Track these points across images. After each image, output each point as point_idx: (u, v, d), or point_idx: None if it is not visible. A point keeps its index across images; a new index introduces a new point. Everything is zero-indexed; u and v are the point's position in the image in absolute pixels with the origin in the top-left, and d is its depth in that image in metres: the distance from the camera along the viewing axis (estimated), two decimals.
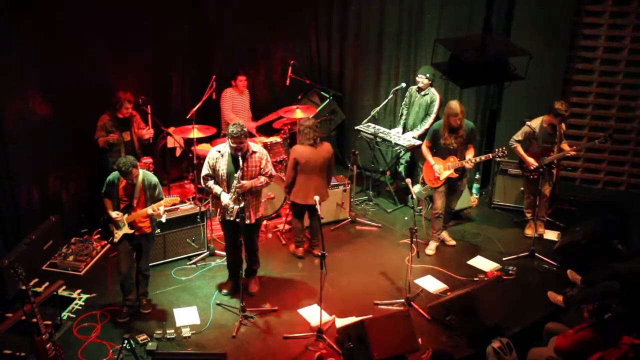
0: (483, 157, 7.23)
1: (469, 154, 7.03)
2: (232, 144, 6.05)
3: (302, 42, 9.43)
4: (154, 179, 6.03)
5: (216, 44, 8.80)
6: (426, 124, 8.06)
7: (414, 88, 8.22)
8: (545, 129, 7.27)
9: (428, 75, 8.01)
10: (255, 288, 6.65)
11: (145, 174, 5.95)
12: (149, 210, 5.89)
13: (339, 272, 6.97)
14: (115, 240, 5.97)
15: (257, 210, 6.34)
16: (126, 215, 5.89)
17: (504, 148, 7.10)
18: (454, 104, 6.89)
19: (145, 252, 6.16)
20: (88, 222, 7.57)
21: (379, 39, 8.90)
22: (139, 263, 6.15)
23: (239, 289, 6.24)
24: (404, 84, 8.48)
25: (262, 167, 6.23)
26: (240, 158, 6.04)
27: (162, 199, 6.00)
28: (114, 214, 5.89)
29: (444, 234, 7.49)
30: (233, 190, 6.11)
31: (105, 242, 6.04)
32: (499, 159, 8.02)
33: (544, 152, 7.28)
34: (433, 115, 8.08)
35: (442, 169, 7.05)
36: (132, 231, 5.93)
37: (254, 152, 6.20)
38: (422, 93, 8.09)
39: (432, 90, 8.11)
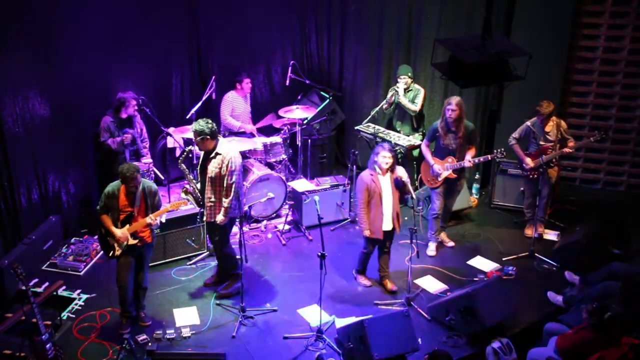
0: (482, 158, 7.24)
1: (469, 155, 7.02)
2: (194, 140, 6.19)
3: (302, 42, 9.43)
4: (154, 186, 5.99)
5: (216, 44, 8.80)
6: (416, 107, 8.06)
7: (398, 92, 8.13)
8: (541, 127, 7.28)
9: (409, 74, 8.06)
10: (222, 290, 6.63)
11: (145, 182, 5.91)
12: (147, 219, 5.80)
13: (339, 272, 6.98)
14: (117, 253, 5.86)
15: (213, 211, 6.24)
16: (127, 226, 5.80)
17: (503, 149, 7.11)
18: (452, 97, 6.92)
19: (146, 264, 6.10)
20: (88, 222, 7.57)
21: (378, 39, 8.90)
22: (139, 275, 6.04)
23: (240, 289, 6.25)
24: None
25: (221, 171, 6.10)
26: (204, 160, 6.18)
27: (160, 207, 5.95)
28: (119, 233, 5.76)
29: (443, 235, 7.49)
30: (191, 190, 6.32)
31: (108, 256, 5.96)
32: (498, 159, 8.02)
33: (542, 152, 7.29)
34: (420, 103, 8.07)
35: (440, 169, 7.05)
36: (135, 241, 5.83)
37: (218, 154, 6.14)
38: (407, 91, 8.09)
39: (416, 86, 8.14)
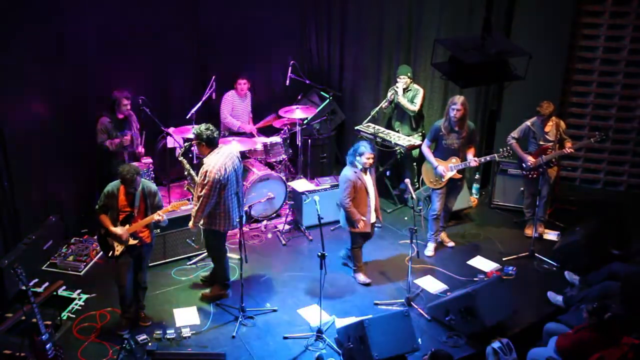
0: (488, 157, 7.23)
1: (470, 154, 7.02)
2: None
3: (302, 42, 9.43)
4: (154, 186, 5.98)
5: (216, 44, 8.79)
6: (415, 107, 8.07)
7: (398, 91, 8.14)
8: (541, 127, 7.28)
9: (409, 74, 8.08)
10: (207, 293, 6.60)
11: (144, 182, 5.89)
12: (155, 216, 5.78)
13: (339, 272, 6.97)
14: (117, 253, 5.85)
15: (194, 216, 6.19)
16: (127, 226, 5.79)
17: (508, 147, 7.11)
18: (456, 96, 6.91)
19: (145, 264, 6.09)
20: (88, 222, 7.56)
21: (378, 39, 8.89)
22: (138, 276, 6.04)
23: (240, 291, 6.25)
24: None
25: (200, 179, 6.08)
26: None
27: (161, 206, 5.94)
28: (119, 230, 5.74)
29: (443, 235, 7.49)
30: None
31: (107, 256, 5.97)
32: (500, 159, 8.01)
33: (542, 152, 7.29)
34: (419, 103, 8.08)
35: (445, 170, 7.03)
36: (135, 242, 5.83)
37: (203, 163, 6.12)
38: (406, 91, 8.10)
39: (415, 86, 8.15)
